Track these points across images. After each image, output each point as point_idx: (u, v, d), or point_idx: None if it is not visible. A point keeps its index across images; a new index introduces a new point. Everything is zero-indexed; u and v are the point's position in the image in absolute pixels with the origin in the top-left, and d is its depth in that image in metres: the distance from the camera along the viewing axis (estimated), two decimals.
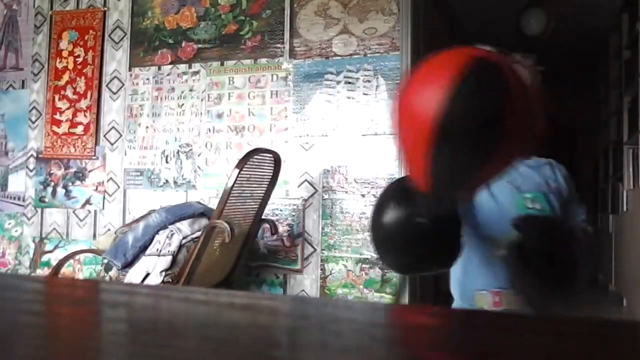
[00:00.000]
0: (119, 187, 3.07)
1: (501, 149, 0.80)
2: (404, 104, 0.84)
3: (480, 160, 0.80)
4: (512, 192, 1.19)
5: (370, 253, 2.54)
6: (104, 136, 3.12)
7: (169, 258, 2.16)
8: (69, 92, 3.19)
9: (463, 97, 0.77)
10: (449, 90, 0.76)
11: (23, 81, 3.35)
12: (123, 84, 3.10)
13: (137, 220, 2.51)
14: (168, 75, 3.00)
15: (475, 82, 0.78)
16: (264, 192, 2.39)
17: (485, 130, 0.78)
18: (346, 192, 2.62)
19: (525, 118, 0.81)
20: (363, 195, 2.58)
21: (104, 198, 3.10)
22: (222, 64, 2.89)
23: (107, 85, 3.13)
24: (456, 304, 1.29)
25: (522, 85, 0.82)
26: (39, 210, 3.24)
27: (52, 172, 3.22)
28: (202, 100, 2.92)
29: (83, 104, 3.16)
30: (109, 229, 3.00)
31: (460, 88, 0.77)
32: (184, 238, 2.23)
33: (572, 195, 1.27)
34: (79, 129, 3.16)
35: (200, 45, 2.94)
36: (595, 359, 0.31)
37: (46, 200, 3.22)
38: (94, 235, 3.09)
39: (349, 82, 2.64)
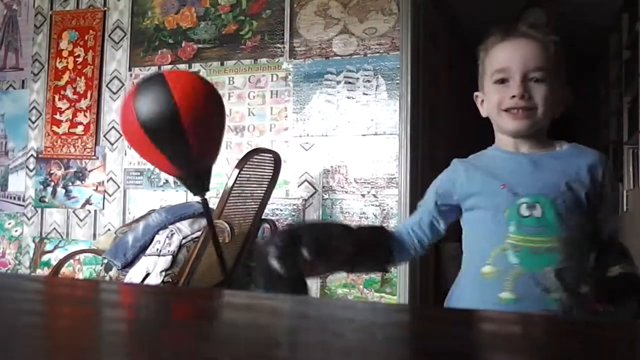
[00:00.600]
0: (119, 187, 3.07)
1: (189, 127, 1.02)
2: (122, 119, 1.11)
3: (182, 141, 1.02)
4: (507, 198, 0.97)
5: None
6: (104, 136, 3.12)
7: (169, 258, 2.16)
8: (69, 92, 3.19)
9: (140, 103, 1.02)
10: (132, 102, 1.03)
11: (23, 81, 3.35)
12: (123, 84, 3.10)
13: (137, 220, 2.51)
14: None
15: (142, 88, 1.04)
16: (264, 192, 2.39)
17: (166, 122, 1.01)
18: (346, 192, 2.62)
19: (196, 103, 1.05)
20: (363, 195, 2.58)
21: (104, 198, 3.10)
22: (222, 64, 2.89)
23: (107, 85, 3.13)
24: None
25: (181, 77, 1.08)
26: (39, 210, 3.24)
27: (52, 172, 3.22)
28: None
29: (83, 104, 3.16)
30: (109, 229, 3.00)
31: (135, 98, 1.04)
32: (184, 238, 2.23)
33: (606, 199, 1.00)
34: (79, 129, 3.16)
35: (200, 45, 2.94)
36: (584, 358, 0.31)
37: (46, 200, 3.22)
38: (94, 235, 3.08)
39: (349, 82, 2.64)
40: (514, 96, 0.98)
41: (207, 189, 1.29)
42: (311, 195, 2.67)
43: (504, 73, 1.00)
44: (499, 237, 0.96)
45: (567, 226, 0.94)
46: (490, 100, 1.03)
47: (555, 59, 1.00)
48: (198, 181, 1.10)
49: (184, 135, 1.02)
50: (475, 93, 1.12)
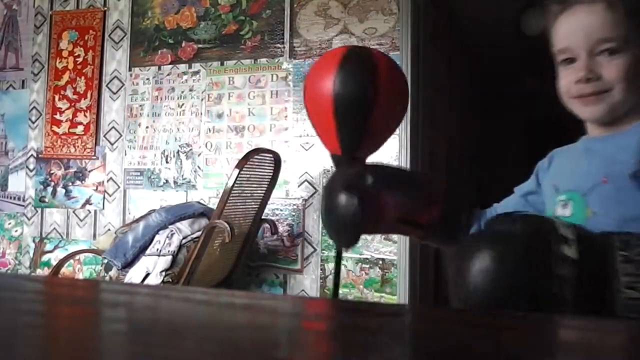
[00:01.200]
0: (119, 187, 3.07)
1: (375, 116, 0.98)
2: (308, 90, 1.08)
3: (361, 126, 0.98)
4: (550, 196, 0.86)
5: (370, 253, 2.54)
6: (104, 136, 3.12)
7: (169, 258, 2.16)
8: (69, 92, 3.19)
9: (342, 78, 0.98)
10: (334, 74, 0.99)
11: (23, 81, 3.35)
12: (123, 84, 3.10)
13: (137, 220, 2.51)
14: (168, 75, 3.00)
15: (350, 65, 0.99)
16: (264, 192, 2.39)
17: (359, 101, 0.98)
18: None
19: (392, 95, 1.01)
20: None
21: (104, 198, 3.10)
22: (222, 64, 2.89)
23: (107, 85, 3.13)
24: None
25: (392, 67, 1.03)
26: (39, 210, 3.24)
27: (52, 172, 3.22)
28: (202, 100, 2.92)
29: (83, 104, 3.16)
30: (109, 229, 3.00)
31: (339, 71, 0.99)
32: (184, 238, 2.23)
33: None
34: (79, 129, 3.16)
35: (200, 45, 2.94)
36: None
37: (46, 200, 3.22)
38: (94, 235, 3.08)
39: None
40: (579, 80, 0.81)
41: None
42: (311, 195, 2.67)
43: (567, 53, 0.83)
44: None
45: (596, 227, 0.75)
46: (560, 85, 0.86)
47: (635, 19, 0.79)
48: (349, 166, 1.13)
49: (367, 121, 1.00)
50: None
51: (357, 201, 0.85)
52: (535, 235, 0.63)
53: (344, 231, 0.88)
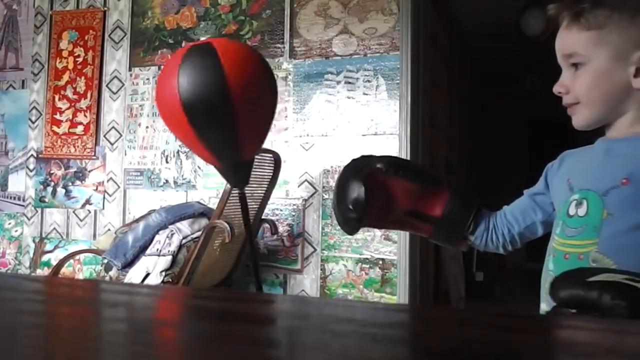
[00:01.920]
0: (119, 187, 3.07)
1: (241, 113, 0.88)
2: (158, 98, 0.97)
3: (227, 126, 0.88)
4: (565, 195, 0.84)
5: (370, 253, 2.54)
6: (104, 136, 3.12)
7: (169, 258, 2.16)
8: (69, 92, 3.19)
9: (185, 79, 0.88)
10: (176, 76, 0.89)
11: (23, 81, 3.35)
12: (123, 84, 3.10)
13: (137, 220, 2.51)
14: None
15: (191, 64, 0.90)
16: (264, 192, 2.39)
17: (216, 99, 0.87)
18: None
19: (250, 87, 0.90)
20: None
21: (104, 198, 3.10)
22: None
23: (107, 85, 3.13)
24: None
25: (241, 57, 0.92)
26: (39, 210, 3.24)
27: (52, 172, 3.22)
28: None
29: (83, 104, 3.16)
30: (109, 229, 3.00)
31: (180, 72, 0.89)
32: (184, 238, 2.23)
33: None
34: (79, 129, 3.16)
35: None
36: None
37: (46, 200, 3.22)
38: (94, 235, 3.08)
39: (349, 82, 2.64)
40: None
41: (247, 181, 1.16)
42: (311, 195, 2.67)
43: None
44: (551, 240, 0.86)
45: (612, 229, 0.76)
46: None
47: (597, 32, 0.79)
48: (239, 172, 0.99)
49: (231, 122, 0.89)
50: None
51: (363, 184, 0.85)
52: None
53: (349, 214, 0.88)
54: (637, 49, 0.78)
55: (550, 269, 0.83)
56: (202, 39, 2.93)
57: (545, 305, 0.83)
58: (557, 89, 0.85)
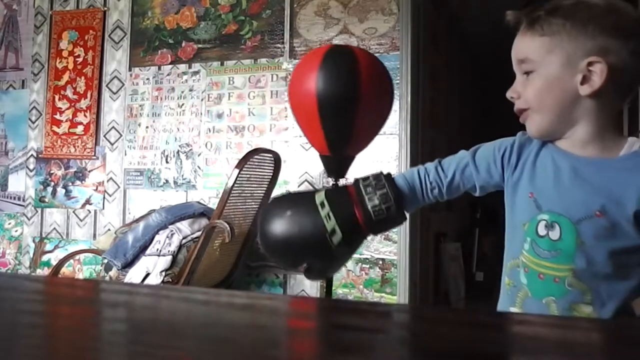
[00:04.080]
0: (119, 187, 3.07)
1: (360, 112, 0.98)
2: (292, 91, 1.08)
3: (349, 121, 1.00)
4: (529, 210, 0.83)
5: (370, 253, 2.54)
6: (104, 136, 3.12)
7: (169, 258, 2.16)
8: (69, 92, 3.19)
9: (324, 76, 0.98)
10: (316, 73, 0.99)
11: (23, 81, 3.35)
12: (123, 84, 3.10)
13: (137, 220, 2.51)
14: (168, 75, 3.00)
15: (332, 63, 0.99)
16: (264, 192, 2.39)
17: (344, 97, 0.97)
18: None
19: (377, 89, 1.02)
20: None
21: (104, 198, 3.10)
22: (222, 64, 2.89)
23: (107, 85, 3.13)
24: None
25: (374, 64, 1.02)
26: (39, 210, 3.24)
27: (52, 172, 3.22)
28: (202, 100, 2.92)
29: (83, 104, 3.16)
30: (109, 229, 3.00)
31: (321, 70, 0.99)
32: (184, 238, 2.23)
33: None
34: (79, 129, 3.16)
35: (200, 45, 2.94)
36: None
37: (46, 200, 3.22)
38: (94, 235, 3.08)
39: None
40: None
41: (344, 175, 1.27)
42: None
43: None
44: (516, 250, 0.85)
45: (587, 257, 0.77)
46: None
47: (551, 39, 0.80)
48: (342, 164, 1.09)
49: (353, 118, 1.02)
50: None
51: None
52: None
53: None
54: (585, 57, 0.78)
55: (523, 283, 0.83)
56: (203, 39, 2.94)
57: (517, 311, 0.83)
58: (509, 94, 0.86)
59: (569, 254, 0.78)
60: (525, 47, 0.83)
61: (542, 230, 0.81)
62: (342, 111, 1.01)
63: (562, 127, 0.83)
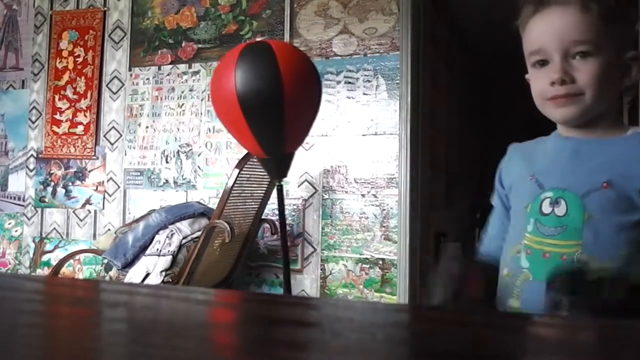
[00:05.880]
0: (119, 187, 3.07)
1: (286, 106, 0.93)
2: (213, 96, 1.02)
3: (278, 119, 1.00)
4: (532, 191, 0.82)
5: (370, 253, 2.54)
6: (104, 136, 3.12)
7: (169, 258, 2.16)
8: (69, 92, 3.19)
9: (242, 75, 0.93)
10: (233, 73, 0.93)
11: (23, 81, 3.35)
12: (123, 84, 3.10)
13: (137, 220, 2.51)
14: (168, 75, 3.00)
15: (249, 60, 0.94)
16: (264, 192, 2.39)
17: (266, 94, 0.92)
18: (346, 192, 2.62)
19: (300, 79, 0.97)
20: (363, 195, 2.58)
21: (104, 198, 3.09)
22: None
23: (107, 85, 3.13)
24: None
25: (294, 54, 0.99)
26: (39, 210, 3.24)
27: (52, 172, 3.22)
28: (202, 100, 2.92)
29: (83, 104, 3.16)
30: (109, 229, 3.00)
31: (238, 69, 0.93)
32: (184, 238, 2.23)
33: None
34: (79, 129, 3.16)
35: (200, 45, 2.94)
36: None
37: (46, 200, 3.22)
38: (94, 235, 3.08)
39: (349, 82, 2.64)
40: (553, 82, 0.79)
41: (287, 174, 1.24)
42: (311, 195, 2.67)
43: (540, 54, 0.80)
44: (518, 235, 0.83)
45: (594, 231, 0.75)
46: (533, 88, 0.85)
47: (608, 24, 0.76)
48: (281, 164, 1.05)
49: (281, 116, 0.98)
50: (526, 76, 0.89)
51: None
52: None
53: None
54: (630, 50, 0.77)
55: (524, 267, 0.81)
56: (203, 39, 2.94)
57: (515, 301, 0.82)
58: (560, 76, 0.78)
59: (575, 228, 0.76)
60: (577, 26, 0.77)
61: (546, 208, 0.79)
62: (267, 108, 0.96)
63: (597, 115, 0.81)
